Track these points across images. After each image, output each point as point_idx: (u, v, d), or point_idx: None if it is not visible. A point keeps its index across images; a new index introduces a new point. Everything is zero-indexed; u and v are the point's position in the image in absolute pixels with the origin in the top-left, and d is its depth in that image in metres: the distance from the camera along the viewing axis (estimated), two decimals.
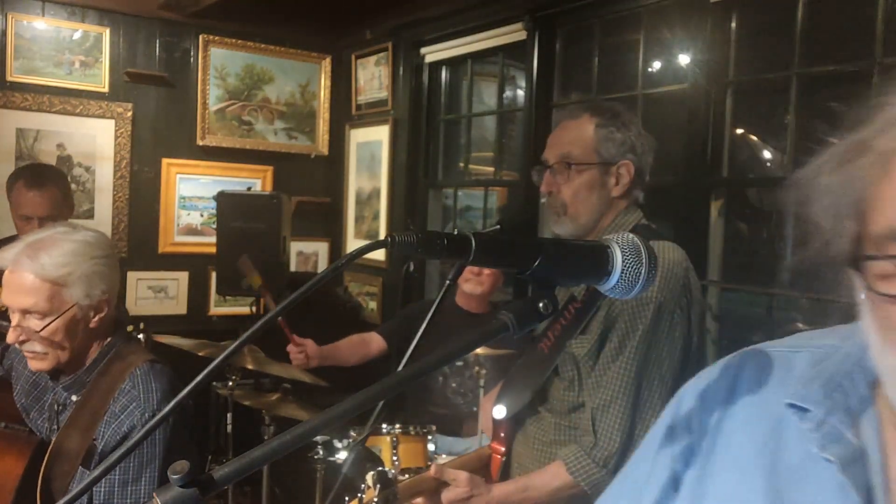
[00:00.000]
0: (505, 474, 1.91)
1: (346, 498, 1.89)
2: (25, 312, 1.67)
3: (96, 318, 1.74)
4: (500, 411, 1.92)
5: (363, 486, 1.79)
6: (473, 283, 3.06)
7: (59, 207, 2.89)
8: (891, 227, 0.64)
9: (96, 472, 0.64)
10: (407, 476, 1.76)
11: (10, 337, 1.68)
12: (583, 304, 1.78)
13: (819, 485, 0.72)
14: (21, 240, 1.73)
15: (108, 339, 1.79)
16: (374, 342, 3.27)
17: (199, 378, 0.65)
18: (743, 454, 0.78)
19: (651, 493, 0.85)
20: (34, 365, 1.72)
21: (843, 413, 0.72)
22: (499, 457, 1.94)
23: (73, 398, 1.76)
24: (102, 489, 1.63)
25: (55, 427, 1.77)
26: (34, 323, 1.67)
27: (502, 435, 1.95)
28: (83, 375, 1.75)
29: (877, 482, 0.70)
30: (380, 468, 1.74)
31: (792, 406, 0.75)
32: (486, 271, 3.04)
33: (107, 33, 4.12)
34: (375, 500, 1.67)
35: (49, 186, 2.87)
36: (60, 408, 1.78)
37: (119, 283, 1.82)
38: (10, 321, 1.71)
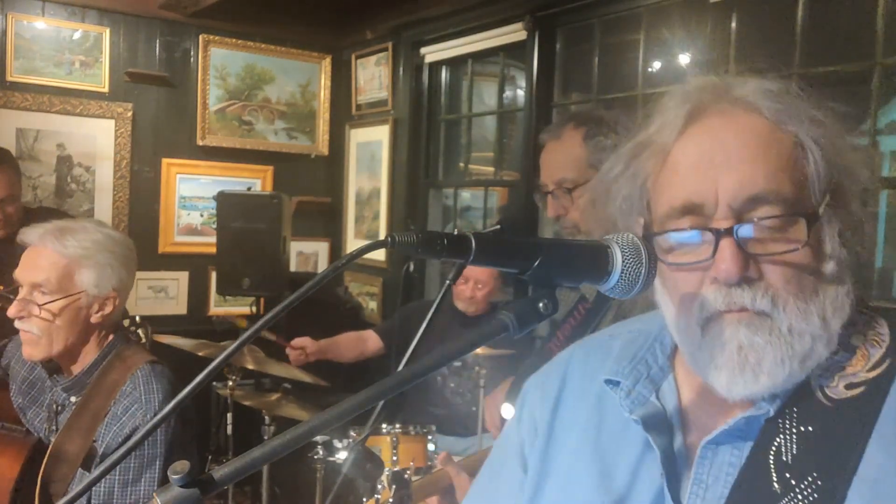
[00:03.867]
0: None
1: (364, 499, 1.90)
2: (34, 287, 1.69)
3: (99, 314, 1.75)
4: (508, 411, 1.92)
5: (379, 486, 1.80)
6: (467, 303, 3.07)
7: (16, 188, 2.77)
8: (670, 206, 0.78)
9: (95, 474, 0.63)
10: (420, 476, 1.77)
11: (12, 310, 1.69)
12: (593, 304, 1.78)
13: (631, 444, 0.85)
14: (49, 221, 1.78)
15: (109, 340, 1.79)
16: (371, 340, 3.27)
17: (198, 379, 0.65)
18: (574, 430, 0.92)
19: (507, 477, 0.97)
20: (27, 351, 1.72)
21: (646, 381, 0.87)
22: None
23: (73, 399, 1.75)
24: (102, 489, 1.62)
25: (54, 427, 1.77)
26: (39, 298, 1.69)
27: None
28: (83, 377, 1.75)
29: (677, 438, 0.83)
30: (396, 469, 1.75)
31: (608, 381, 0.89)
32: (480, 293, 3.05)
33: (107, 33, 4.12)
34: (391, 500, 1.67)
35: (4, 167, 2.73)
36: (59, 408, 1.77)
37: (131, 288, 1.84)
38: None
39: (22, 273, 1.72)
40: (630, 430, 0.85)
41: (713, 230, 0.75)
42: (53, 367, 1.79)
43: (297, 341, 3.03)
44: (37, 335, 1.69)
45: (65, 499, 0.64)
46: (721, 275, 0.75)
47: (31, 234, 1.75)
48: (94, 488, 1.62)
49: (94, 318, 1.75)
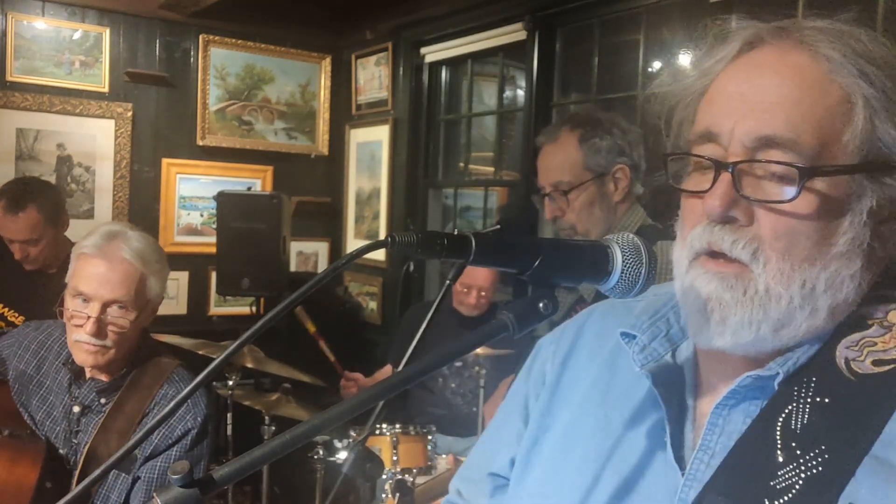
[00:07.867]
0: None
1: None
2: (110, 303, 1.64)
3: (150, 319, 1.77)
4: None
5: (382, 495, 1.80)
6: (469, 309, 3.06)
7: (41, 229, 2.80)
8: (696, 132, 0.77)
9: (100, 469, 0.63)
10: (422, 480, 1.77)
11: (90, 328, 1.62)
12: (592, 304, 1.78)
13: (638, 399, 0.82)
14: (96, 230, 1.72)
15: (140, 344, 1.80)
16: None
17: (200, 377, 0.65)
18: (582, 385, 0.88)
19: (508, 430, 0.95)
20: (88, 358, 1.67)
21: (664, 339, 0.83)
22: None
23: (103, 401, 1.74)
24: (156, 487, 1.64)
25: (76, 429, 1.75)
26: (117, 314, 1.65)
27: None
28: (120, 379, 1.74)
29: (689, 402, 0.80)
30: (398, 477, 1.75)
31: (623, 334, 0.85)
32: (483, 300, 3.05)
33: (107, 33, 4.12)
34: None
35: (28, 209, 2.78)
36: (85, 410, 1.75)
37: None
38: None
39: (94, 288, 1.63)
40: (640, 387, 0.82)
41: (715, 161, 0.73)
42: (78, 368, 1.76)
43: (353, 374, 3.04)
44: (109, 346, 1.67)
45: (68, 496, 0.64)
46: (707, 208, 0.73)
47: (87, 247, 1.67)
48: (144, 487, 1.66)
49: (146, 323, 1.76)
